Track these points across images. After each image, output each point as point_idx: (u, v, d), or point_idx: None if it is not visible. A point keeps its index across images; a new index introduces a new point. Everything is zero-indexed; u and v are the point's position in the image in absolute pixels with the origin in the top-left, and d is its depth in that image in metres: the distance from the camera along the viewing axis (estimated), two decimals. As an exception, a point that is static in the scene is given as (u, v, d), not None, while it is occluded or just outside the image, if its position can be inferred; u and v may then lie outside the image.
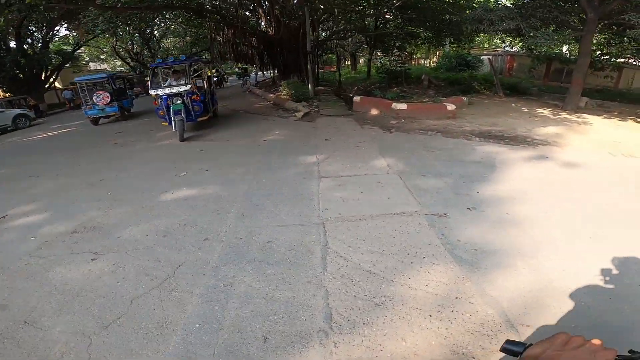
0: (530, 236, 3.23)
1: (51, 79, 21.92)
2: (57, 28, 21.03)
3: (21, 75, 19.17)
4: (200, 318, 2.41)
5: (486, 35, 17.52)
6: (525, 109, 9.97)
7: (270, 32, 15.09)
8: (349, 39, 25.71)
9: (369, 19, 18.16)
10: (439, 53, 23.60)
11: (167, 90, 8.15)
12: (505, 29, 8.78)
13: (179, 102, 8.02)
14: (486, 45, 24.39)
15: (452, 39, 15.58)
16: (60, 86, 25.32)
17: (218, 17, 13.88)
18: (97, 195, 5.12)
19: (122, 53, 28.88)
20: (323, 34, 20.21)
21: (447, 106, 8.44)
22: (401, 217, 3.70)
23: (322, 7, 12.17)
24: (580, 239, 3.13)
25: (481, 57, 19.11)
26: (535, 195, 4.14)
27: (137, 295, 2.73)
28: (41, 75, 20.78)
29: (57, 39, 23.60)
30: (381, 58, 19.42)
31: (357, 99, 9.78)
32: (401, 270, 2.82)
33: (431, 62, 27.01)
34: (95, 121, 12.47)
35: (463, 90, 13.93)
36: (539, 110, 9.83)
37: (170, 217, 4.15)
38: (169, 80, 8.88)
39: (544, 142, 6.51)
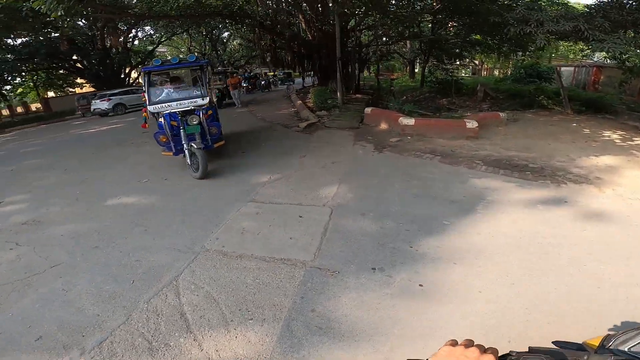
0: (417, 325, 2.21)
1: (131, 76, 24.90)
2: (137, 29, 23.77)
3: (102, 73, 21.98)
4: (19, 310, 2.67)
5: (570, 43, 14.73)
6: (586, 131, 7.92)
7: (310, 37, 14.72)
8: (408, 46, 24.23)
9: (428, 25, 16.76)
10: (510, 62, 20.72)
11: (181, 105, 5.58)
12: (559, 30, 6.91)
13: (195, 122, 5.39)
14: (571, 56, 20.63)
15: (513, 46, 13.28)
16: (144, 83, 28.61)
17: (254, 22, 13.90)
18: (69, 194, 5.40)
19: (197, 53, 31.56)
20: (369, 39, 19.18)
21: (467, 123, 6.97)
22: (281, 264, 2.93)
23: (347, 10, 11.30)
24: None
25: (559, 69, 16.23)
26: (495, 261, 2.91)
27: (3, 283, 3.04)
28: (121, 73, 23.65)
29: (143, 37, 26.71)
30: (431, 67, 17.85)
31: (367, 110, 8.73)
32: (212, 325, 2.33)
33: (502, 72, 23.94)
34: None
35: (525, 104, 11.98)
36: (607, 133, 7.70)
37: (95, 222, 4.25)
38: (166, 90, 6.08)
39: (580, 179, 4.86)
